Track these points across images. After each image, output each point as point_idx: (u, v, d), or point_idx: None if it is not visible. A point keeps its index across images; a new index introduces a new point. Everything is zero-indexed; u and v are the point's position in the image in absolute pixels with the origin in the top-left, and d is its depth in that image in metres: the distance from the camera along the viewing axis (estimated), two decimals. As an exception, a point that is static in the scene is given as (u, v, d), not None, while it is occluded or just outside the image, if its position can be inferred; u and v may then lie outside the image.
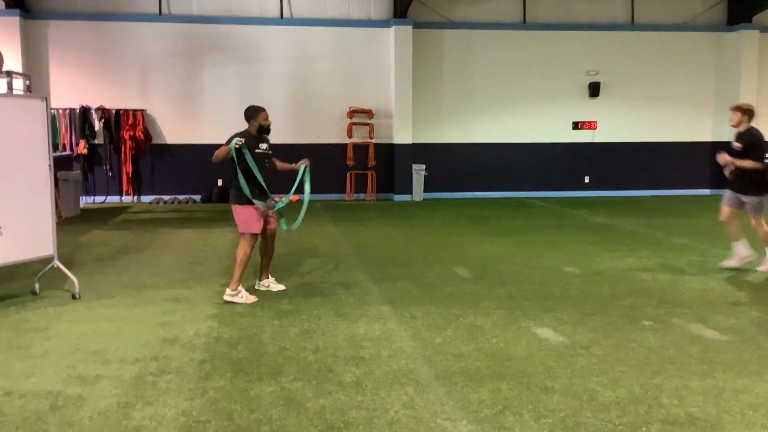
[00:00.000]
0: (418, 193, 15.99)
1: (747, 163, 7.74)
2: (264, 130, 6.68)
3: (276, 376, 4.47)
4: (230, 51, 15.72)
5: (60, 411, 3.91)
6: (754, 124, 8.14)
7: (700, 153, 17.46)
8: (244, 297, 6.46)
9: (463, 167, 16.68)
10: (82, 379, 4.42)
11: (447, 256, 8.73)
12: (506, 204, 15.08)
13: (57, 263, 6.66)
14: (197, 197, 15.55)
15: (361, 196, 16.25)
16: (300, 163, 7.00)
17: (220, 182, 15.57)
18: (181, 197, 15.52)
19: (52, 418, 3.81)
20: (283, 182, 7.24)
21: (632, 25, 17.02)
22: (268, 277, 7.01)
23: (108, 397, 4.12)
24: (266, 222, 6.72)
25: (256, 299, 6.51)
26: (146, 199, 15.60)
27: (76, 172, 13.71)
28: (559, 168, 17.07)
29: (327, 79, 16.04)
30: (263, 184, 6.54)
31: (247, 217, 6.53)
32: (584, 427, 3.71)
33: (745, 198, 7.84)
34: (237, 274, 6.46)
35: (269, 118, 6.72)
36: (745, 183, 7.85)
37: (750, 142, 7.85)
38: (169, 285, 7.14)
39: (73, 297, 6.53)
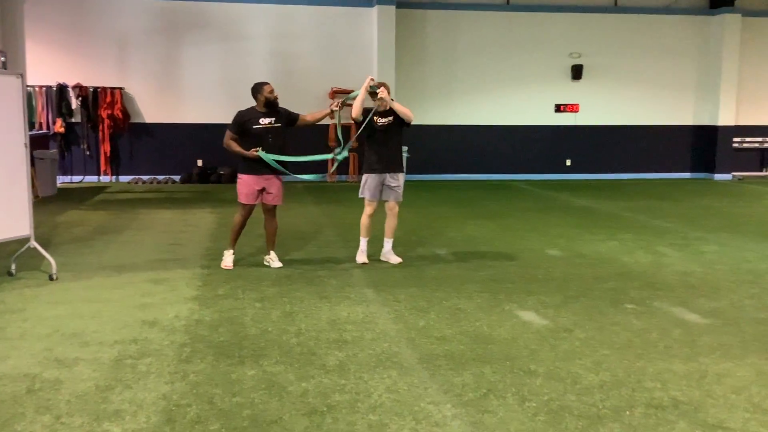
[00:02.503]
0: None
1: None
2: (271, 104, 6.83)
3: (258, 360, 4.41)
4: (210, 29, 15.48)
5: (37, 394, 3.83)
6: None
7: (681, 136, 17.56)
8: (223, 261, 6.95)
9: (446, 149, 16.63)
10: (59, 361, 4.34)
11: (430, 238, 8.69)
12: (489, 186, 15.07)
13: (33, 243, 6.53)
14: (177, 177, 15.38)
15: (344, 177, 16.15)
16: (333, 105, 7.26)
17: (200, 162, 15.41)
18: (160, 177, 15.34)
19: (28, 402, 3.73)
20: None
21: (615, 8, 16.99)
22: (269, 253, 7.13)
23: (86, 380, 4.04)
24: (264, 197, 6.96)
25: (231, 267, 6.88)
26: (125, 179, 15.39)
27: (53, 151, 13.51)
28: (541, 151, 17.08)
29: (309, 58, 15.87)
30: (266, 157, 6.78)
31: (240, 187, 6.95)
32: (568, 411, 3.70)
33: None
34: (231, 239, 7.09)
35: (274, 92, 6.89)
36: None
37: None
38: (148, 266, 7.04)
39: (51, 278, 6.41)
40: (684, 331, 5.06)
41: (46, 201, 11.99)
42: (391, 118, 7.08)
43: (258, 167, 6.82)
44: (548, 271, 6.97)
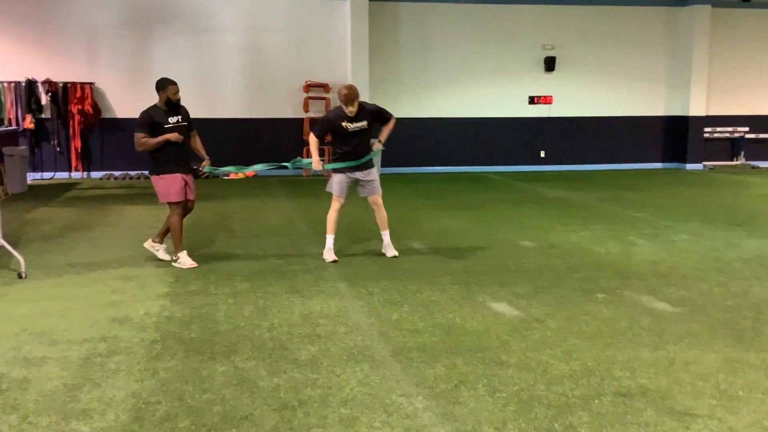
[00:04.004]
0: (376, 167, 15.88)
1: None
2: (172, 104, 6.75)
3: (229, 355, 4.40)
4: (181, 22, 15.31)
5: (4, 394, 3.78)
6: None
7: (653, 127, 17.70)
8: (182, 263, 6.74)
9: (420, 142, 16.62)
10: (27, 360, 4.28)
11: (404, 230, 8.70)
12: (463, 179, 15.10)
13: (1, 242, 6.44)
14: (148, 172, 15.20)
15: (318, 172, 16.06)
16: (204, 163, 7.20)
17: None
18: (132, 173, 15.17)
19: (-6, 402, 3.69)
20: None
21: (588, 0, 17.07)
22: (161, 243, 7.09)
23: (54, 379, 4.00)
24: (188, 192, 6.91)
25: (195, 265, 6.74)
26: (96, 175, 15.21)
27: (23, 148, 13.30)
28: (515, 143, 17.14)
29: (282, 52, 15.77)
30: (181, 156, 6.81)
31: (166, 187, 6.77)
32: (538, 400, 3.73)
33: None
34: (174, 243, 6.86)
35: (179, 94, 6.84)
36: None
37: None
38: (119, 263, 6.98)
39: (19, 276, 6.32)
40: (653, 320, 5.12)
41: (16, 198, 11.81)
42: (364, 123, 7.01)
43: (178, 164, 6.74)
44: (521, 262, 7.01)
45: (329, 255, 7.08)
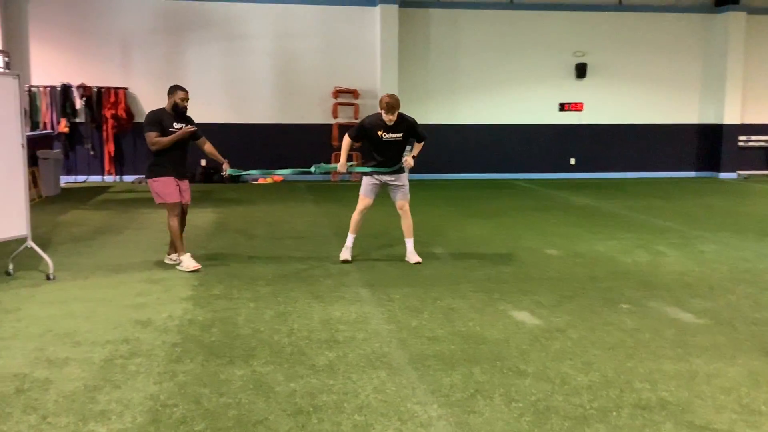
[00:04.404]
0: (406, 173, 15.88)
1: None
2: (179, 110, 6.87)
3: (248, 360, 4.42)
4: (213, 28, 15.51)
5: (25, 394, 3.85)
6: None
7: (686, 135, 17.47)
8: (185, 265, 6.78)
9: (449, 148, 16.59)
10: (50, 361, 4.36)
11: (428, 237, 8.68)
12: (491, 185, 15.04)
13: (30, 243, 6.56)
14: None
15: (346, 177, 16.13)
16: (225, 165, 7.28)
17: (203, 162, 15.42)
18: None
19: (16, 402, 3.75)
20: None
21: (620, 6, 16.92)
22: (182, 253, 7.09)
23: (75, 380, 4.06)
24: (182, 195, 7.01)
25: (199, 267, 6.79)
26: (128, 178, 15.43)
27: (57, 151, 13.55)
28: (545, 150, 17.02)
29: (312, 58, 15.87)
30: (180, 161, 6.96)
31: (162, 188, 6.84)
32: (554, 411, 3.69)
33: None
34: (175, 246, 6.94)
35: (186, 101, 6.95)
36: None
37: None
38: (145, 266, 7.07)
39: (48, 278, 6.44)
40: (677, 331, 5.04)
41: (49, 201, 12.04)
42: (399, 135, 7.05)
43: (173, 169, 6.86)
44: (544, 270, 6.95)
45: (345, 253, 7.18)
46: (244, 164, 14.64)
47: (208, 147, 7.28)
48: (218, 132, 15.44)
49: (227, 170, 7.24)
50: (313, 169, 7.54)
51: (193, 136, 7.07)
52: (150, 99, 15.40)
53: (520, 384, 4.06)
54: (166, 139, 6.75)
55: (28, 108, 14.41)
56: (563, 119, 17.03)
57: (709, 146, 17.35)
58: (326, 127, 15.90)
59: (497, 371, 4.25)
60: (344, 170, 7.28)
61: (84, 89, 14.99)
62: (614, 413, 3.67)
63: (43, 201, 11.96)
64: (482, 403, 3.79)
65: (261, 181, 15.39)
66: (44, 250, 6.83)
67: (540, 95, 16.84)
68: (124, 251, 7.82)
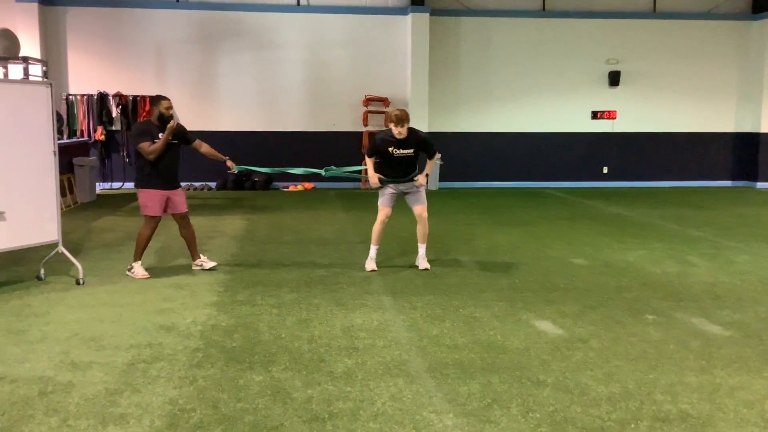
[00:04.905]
0: (434, 182, 15.89)
1: None
2: (164, 119, 6.90)
3: (267, 366, 4.46)
4: (246, 38, 15.70)
5: (48, 397, 3.93)
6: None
7: (722, 144, 17.18)
8: (135, 273, 6.87)
9: (480, 157, 16.55)
10: (74, 365, 4.44)
11: (454, 246, 8.66)
12: (522, 194, 14.95)
13: (61, 249, 6.70)
14: (213, 184, 15.60)
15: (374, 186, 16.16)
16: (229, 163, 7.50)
17: (236, 170, 15.57)
18: (197, 184, 15.58)
19: (39, 404, 3.83)
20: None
21: (654, 13, 16.73)
22: (199, 257, 7.26)
23: (97, 383, 4.13)
24: (171, 207, 7.06)
25: (147, 276, 6.85)
26: (162, 185, 15.65)
27: (92, 158, 13.81)
28: (577, 158, 16.88)
29: (343, 66, 15.97)
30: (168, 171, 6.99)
31: (146, 200, 6.91)
32: (572, 423, 3.65)
33: None
34: (135, 252, 6.97)
35: (172, 109, 7.02)
36: None
37: None
38: (173, 271, 7.17)
39: (77, 282, 6.57)
40: (702, 343, 4.95)
41: (85, 207, 12.28)
42: (411, 151, 7.11)
43: (162, 181, 6.91)
44: (570, 280, 6.89)
45: (370, 264, 7.22)
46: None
47: (205, 148, 7.38)
48: (250, 139, 15.68)
49: (233, 167, 7.32)
50: (323, 172, 7.63)
51: (186, 141, 7.14)
52: (184, 107, 15.64)
53: (539, 394, 4.02)
54: (160, 142, 6.80)
55: (65, 116, 14.73)
56: (596, 127, 16.87)
57: (745, 155, 17.03)
58: (357, 135, 15.97)
59: (516, 381, 4.22)
60: (376, 181, 7.28)
61: (120, 97, 15.27)
62: (632, 425, 3.62)
63: (79, 207, 12.19)
64: (499, 413, 3.77)
65: (291, 188, 15.51)
66: (76, 255, 6.97)
67: (572, 103, 16.72)
68: (154, 257, 7.93)
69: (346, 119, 16.05)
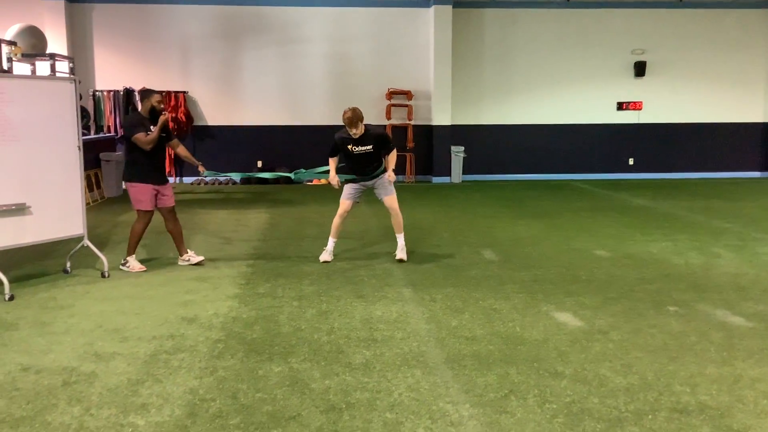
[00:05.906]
0: (457, 175, 15.88)
1: None
2: (155, 113, 6.97)
3: (286, 357, 4.50)
4: (269, 32, 15.78)
5: (71, 387, 4.01)
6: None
7: (750, 134, 16.92)
8: (130, 267, 6.94)
9: (504, 149, 16.49)
10: (98, 356, 4.52)
11: (476, 238, 8.65)
12: (546, 186, 14.86)
13: (87, 242, 6.81)
14: (237, 178, 15.73)
15: (400, 177, 16.18)
16: (200, 167, 7.56)
17: (260, 164, 15.70)
18: (221, 178, 15.72)
19: (62, 394, 3.91)
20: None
21: (680, 3, 16.49)
22: (186, 251, 7.30)
23: (120, 374, 4.21)
24: (161, 201, 7.10)
25: (144, 269, 6.95)
26: (188, 180, 15.84)
27: (119, 154, 13.96)
28: (602, 150, 16.73)
29: (366, 60, 15.98)
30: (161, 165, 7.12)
31: (137, 195, 6.96)
32: (588, 413, 3.64)
33: None
34: (128, 246, 7.02)
35: (162, 103, 7.11)
36: None
37: None
38: (196, 264, 7.25)
39: (102, 275, 6.69)
40: (724, 335, 4.90)
41: (111, 202, 12.45)
42: (369, 147, 7.25)
43: (153, 175, 6.97)
44: (592, 272, 6.85)
45: (324, 256, 7.36)
46: (299, 164, 14.92)
47: (181, 150, 7.49)
48: (274, 133, 15.78)
49: (204, 171, 7.53)
50: (292, 175, 7.76)
51: (169, 137, 7.22)
52: (209, 102, 15.81)
53: (556, 385, 4.02)
54: (154, 133, 6.85)
55: (92, 112, 14.93)
56: (621, 118, 16.71)
57: (775, 145, 16.77)
58: (380, 129, 15.94)
59: (533, 372, 4.22)
60: (335, 182, 7.49)
61: (145, 93, 15.40)
62: (650, 416, 3.61)
63: (105, 202, 12.37)
64: (515, 404, 3.77)
65: (315, 182, 15.57)
66: (101, 249, 7.08)
67: (597, 94, 16.57)
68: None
69: (369, 113, 15.92)
